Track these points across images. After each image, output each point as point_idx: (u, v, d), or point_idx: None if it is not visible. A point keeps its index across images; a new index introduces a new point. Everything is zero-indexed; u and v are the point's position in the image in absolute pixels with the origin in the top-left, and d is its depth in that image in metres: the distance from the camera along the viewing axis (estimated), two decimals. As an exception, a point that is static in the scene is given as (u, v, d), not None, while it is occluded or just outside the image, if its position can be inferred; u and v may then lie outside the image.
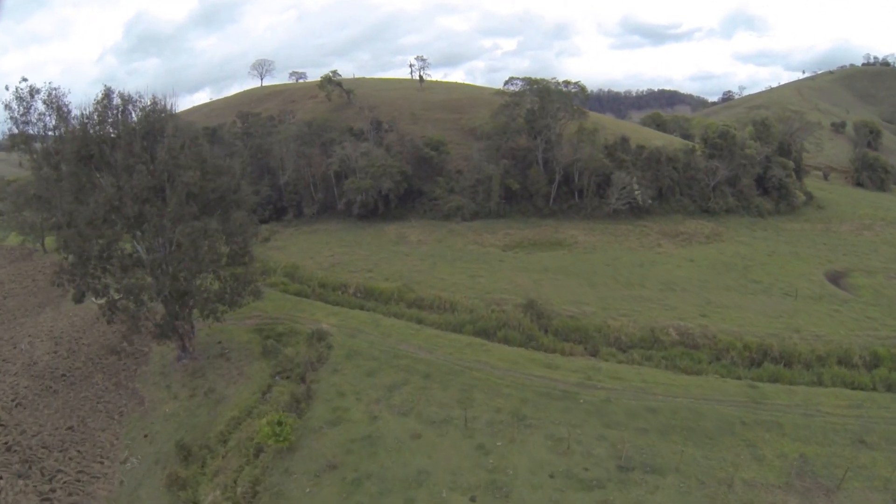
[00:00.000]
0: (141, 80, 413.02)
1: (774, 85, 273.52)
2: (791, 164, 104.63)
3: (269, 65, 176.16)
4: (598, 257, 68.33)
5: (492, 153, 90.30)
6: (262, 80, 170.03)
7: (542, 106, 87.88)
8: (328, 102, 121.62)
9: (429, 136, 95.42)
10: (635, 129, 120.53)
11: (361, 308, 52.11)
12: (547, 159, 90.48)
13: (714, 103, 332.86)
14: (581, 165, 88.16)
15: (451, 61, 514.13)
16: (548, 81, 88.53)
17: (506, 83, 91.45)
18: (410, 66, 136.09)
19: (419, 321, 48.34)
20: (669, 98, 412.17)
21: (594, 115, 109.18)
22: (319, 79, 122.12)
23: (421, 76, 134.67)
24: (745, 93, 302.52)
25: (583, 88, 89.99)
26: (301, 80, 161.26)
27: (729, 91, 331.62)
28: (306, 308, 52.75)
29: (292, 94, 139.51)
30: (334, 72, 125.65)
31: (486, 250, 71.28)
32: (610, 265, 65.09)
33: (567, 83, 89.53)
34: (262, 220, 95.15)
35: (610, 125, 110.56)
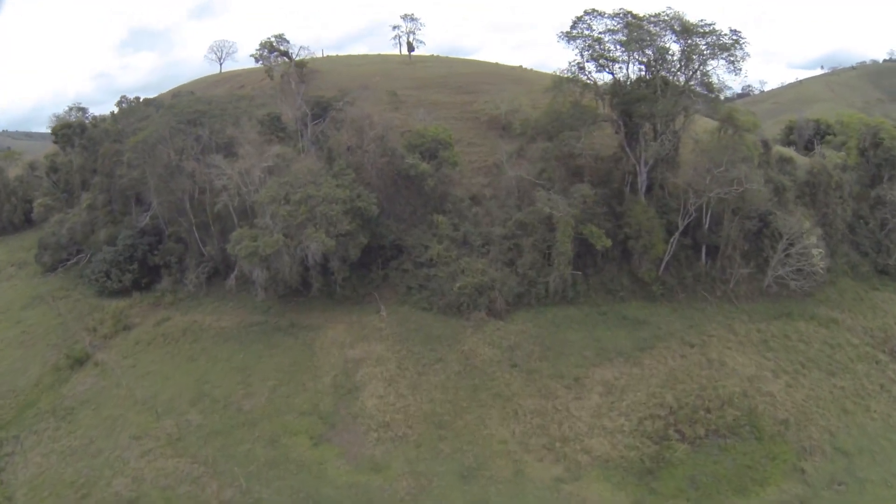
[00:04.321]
0: (135, 74, 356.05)
1: (780, 83, 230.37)
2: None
3: (230, 47, 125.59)
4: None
5: (548, 166, 40.78)
6: (220, 64, 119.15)
7: (657, 71, 37.78)
8: (271, 81, 70.59)
9: (417, 129, 45.31)
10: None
11: None
12: (653, 182, 41.25)
13: (729, 99, 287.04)
14: (728, 201, 38.87)
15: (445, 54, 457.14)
16: (681, 17, 37.92)
17: (576, 23, 40.02)
18: (394, 28, 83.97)
19: None
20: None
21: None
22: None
23: (410, 44, 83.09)
24: (767, 88, 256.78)
25: (737, 41, 39.58)
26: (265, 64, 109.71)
27: (749, 86, 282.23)
28: None
29: (245, 78, 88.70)
30: (279, 36, 72.68)
31: None
32: None
33: (712, 31, 39.06)
34: (120, 289, 45.89)
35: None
